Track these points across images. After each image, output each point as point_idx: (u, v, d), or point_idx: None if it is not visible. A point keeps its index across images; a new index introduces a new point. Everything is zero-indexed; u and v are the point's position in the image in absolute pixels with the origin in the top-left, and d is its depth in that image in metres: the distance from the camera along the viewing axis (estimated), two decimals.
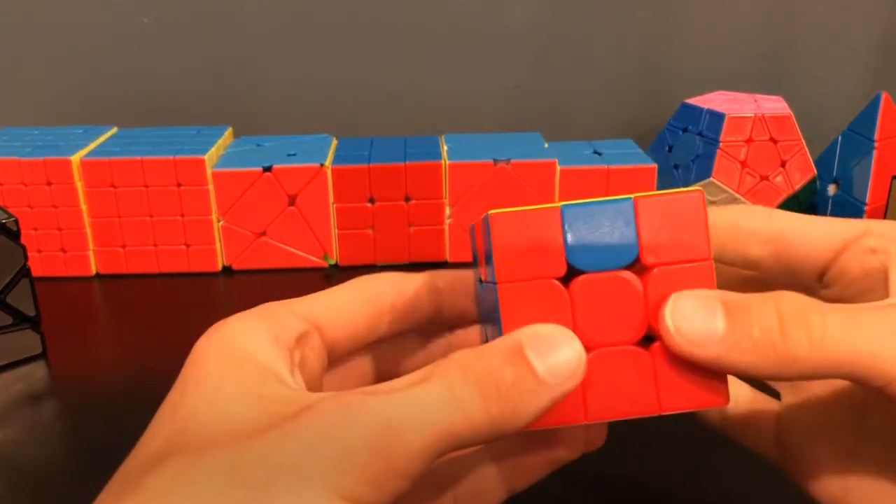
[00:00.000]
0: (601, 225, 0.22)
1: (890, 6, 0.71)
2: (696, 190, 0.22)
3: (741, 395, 0.28)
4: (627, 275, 0.22)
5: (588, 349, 0.21)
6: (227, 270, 0.57)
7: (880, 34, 0.72)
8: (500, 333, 0.21)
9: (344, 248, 0.57)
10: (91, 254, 0.56)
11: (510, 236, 0.21)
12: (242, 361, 0.22)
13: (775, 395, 0.28)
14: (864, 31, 0.72)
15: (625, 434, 0.27)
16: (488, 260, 0.22)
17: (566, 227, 0.21)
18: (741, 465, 0.36)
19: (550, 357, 0.20)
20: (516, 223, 0.21)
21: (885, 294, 0.23)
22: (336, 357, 0.26)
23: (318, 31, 0.69)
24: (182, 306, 0.53)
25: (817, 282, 0.26)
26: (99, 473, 0.21)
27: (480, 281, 0.25)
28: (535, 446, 0.25)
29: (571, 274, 0.22)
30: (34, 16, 0.68)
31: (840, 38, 0.72)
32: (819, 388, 0.26)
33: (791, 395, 0.27)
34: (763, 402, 0.27)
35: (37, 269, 0.50)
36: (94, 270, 0.56)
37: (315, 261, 0.57)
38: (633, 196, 0.22)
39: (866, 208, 0.54)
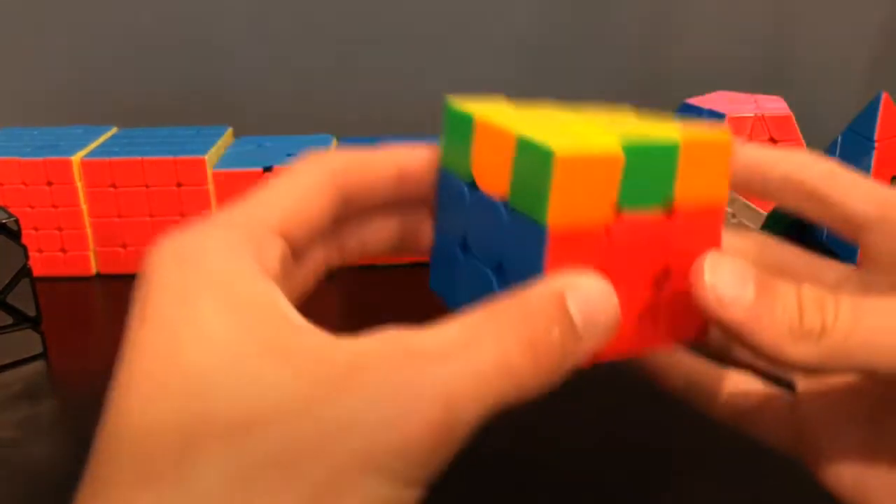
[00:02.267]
0: (650, 166, 0.21)
1: (890, 6, 0.71)
2: (727, 134, 0.22)
3: (752, 385, 0.28)
4: (660, 217, 0.22)
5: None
6: None
7: (880, 34, 0.72)
8: (531, 274, 0.21)
9: None
10: (91, 254, 0.56)
11: (572, 179, 0.20)
12: (245, 308, 0.18)
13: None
14: (864, 31, 0.72)
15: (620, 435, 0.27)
16: (533, 194, 0.21)
17: (626, 169, 0.21)
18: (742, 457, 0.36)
19: (590, 313, 0.20)
20: (581, 168, 0.20)
21: None
22: (295, 251, 0.23)
23: (319, 31, 0.69)
24: None
25: (852, 238, 0.26)
26: None
27: (468, 185, 0.24)
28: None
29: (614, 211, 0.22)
30: (34, 16, 0.68)
31: (840, 38, 0.72)
32: (835, 377, 0.26)
33: (806, 383, 0.27)
34: (775, 392, 0.27)
35: (37, 269, 0.50)
36: (94, 270, 0.56)
37: None
38: (679, 139, 0.22)
39: None
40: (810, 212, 0.26)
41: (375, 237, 0.26)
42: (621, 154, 0.21)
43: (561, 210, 0.20)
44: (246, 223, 0.21)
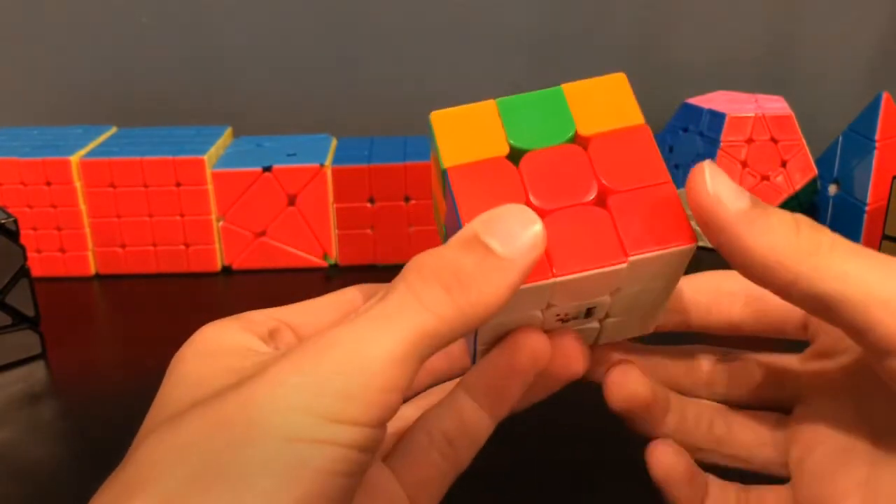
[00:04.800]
0: (537, 110, 0.23)
1: (890, 6, 0.71)
2: (619, 73, 0.24)
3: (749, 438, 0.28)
4: (570, 146, 0.23)
5: (544, 214, 0.22)
6: (226, 270, 0.57)
7: (880, 34, 0.72)
8: (459, 225, 0.22)
9: (344, 247, 0.57)
10: (90, 254, 0.56)
11: (453, 127, 0.23)
12: (218, 352, 0.22)
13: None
14: (865, 31, 0.72)
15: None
16: (436, 161, 0.23)
17: (504, 115, 0.23)
18: None
19: (508, 235, 0.20)
20: (456, 117, 0.23)
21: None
22: None
23: (319, 31, 0.69)
24: (182, 306, 0.53)
25: (802, 334, 0.27)
26: (99, 473, 0.21)
27: (446, 236, 0.26)
28: (499, 363, 0.26)
29: (516, 157, 0.23)
30: (34, 16, 0.68)
31: (840, 37, 0.72)
32: (829, 411, 0.26)
33: (800, 430, 0.27)
34: (772, 432, 0.27)
35: (36, 269, 0.50)
36: (93, 270, 0.56)
37: (315, 261, 0.57)
38: (561, 85, 0.24)
39: (867, 209, 0.54)
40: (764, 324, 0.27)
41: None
42: (492, 101, 0.23)
43: (452, 151, 0.23)
44: (244, 313, 0.25)
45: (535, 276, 0.21)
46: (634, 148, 0.23)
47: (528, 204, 0.22)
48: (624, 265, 0.22)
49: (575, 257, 0.22)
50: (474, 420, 0.25)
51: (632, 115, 0.24)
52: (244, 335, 0.23)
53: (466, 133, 0.23)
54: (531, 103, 0.23)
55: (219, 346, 0.22)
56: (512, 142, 0.23)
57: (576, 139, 0.23)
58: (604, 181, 0.23)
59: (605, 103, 0.23)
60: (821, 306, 0.21)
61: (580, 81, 0.24)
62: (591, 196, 0.23)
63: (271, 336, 0.24)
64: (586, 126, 0.23)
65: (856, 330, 0.21)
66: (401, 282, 0.20)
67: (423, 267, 0.20)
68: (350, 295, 0.26)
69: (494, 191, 0.22)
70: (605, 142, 0.23)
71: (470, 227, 0.21)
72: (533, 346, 0.24)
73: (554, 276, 0.22)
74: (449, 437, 0.25)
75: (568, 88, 0.24)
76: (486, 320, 0.20)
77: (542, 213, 0.22)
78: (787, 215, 0.21)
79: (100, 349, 0.48)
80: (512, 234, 0.20)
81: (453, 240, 0.21)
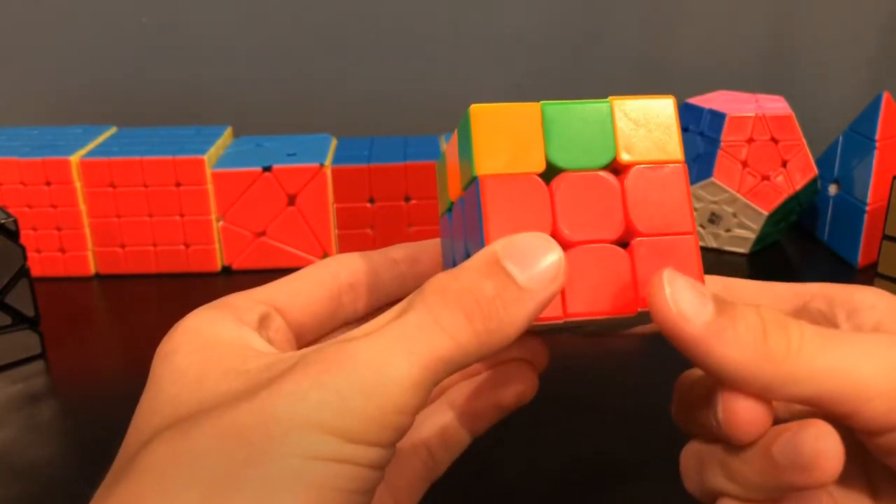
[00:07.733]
0: (580, 124, 0.22)
1: (890, 6, 0.71)
2: (668, 96, 0.23)
3: None
4: (606, 174, 0.22)
5: (567, 246, 0.22)
6: (226, 270, 0.57)
7: (880, 34, 0.72)
8: (481, 239, 0.21)
9: (344, 248, 0.57)
10: (90, 254, 0.56)
11: (491, 127, 0.22)
12: (215, 346, 0.22)
13: None
14: (865, 30, 0.72)
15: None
16: (466, 160, 0.22)
17: (546, 124, 0.22)
18: None
19: (529, 264, 0.20)
20: (497, 117, 0.22)
21: None
22: (306, 342, 0.26)
23: (319, 31, 0.69)
24: (181, 306, 0.52)
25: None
26: (99, 473, 0.21)
27: (449, 212, 0.25)
28: (484, 392, 0.26)
29: (551, 173, 0.22)
30: (34, 16, 0.68)
31: (841, 37, 0.72)
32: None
33: None
34: None
35: (36, 270, 0.50)
36: (93, 270, 0.56)
37: (315, 261, 0.57)
38: (609, 99, 0.23)
39: (867, 208, 0.54)
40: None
41: None
42: (537, 105, 0.22)
43: (487, 158, 0.22)
44: (227, 297, 0.25)
45: (548, 314, 0.21)
46: (667, 188, 0.22)
47: (556, 232, 0.22)
48: (633, 315, 0.22)
49: (588, 300, 0.21)
50: (453, 434, 0.26)
51: (672, 148, 0.23)
52: (239, 328, 0.23)
53: (504, 137, 0.22)
54: (576, 115, 0.22)
55: (215, 339, 0.22)
56: (550, 158, 0.22)
57: (612, 163, 0.23)
58: (632, 220, 0.22)
59: (648, 129, 0.23)
60: (803, 405, 0.21)
61: (629, 98, 0.23)
62: (617, 235, 0.22)
63: (262, 323, 0.24)
64: (626, 152, 0.22)
65: (840, 419, 0.21)
66: (420, 302, 0.20)
67: (446, 290, 0.20)
68: (333, 268, 0.26)
69: (524, 211, 0.22)
70: (640, 176, 0.22)
71: (491, 250, 0.20)
72: (522, 388, 0.25)
73: (566, 316, 0.21)
74: (429, 446, 0.26)
75: (615, 104, 0.23)
76: (502, 349, 0.20)
77: (566, 245, 0.21)
78: (752, 318, 0.21)
79: (100, 349, 0.48)
80: (533, 263, 0.20)
81: (473, 262, 0.20)
